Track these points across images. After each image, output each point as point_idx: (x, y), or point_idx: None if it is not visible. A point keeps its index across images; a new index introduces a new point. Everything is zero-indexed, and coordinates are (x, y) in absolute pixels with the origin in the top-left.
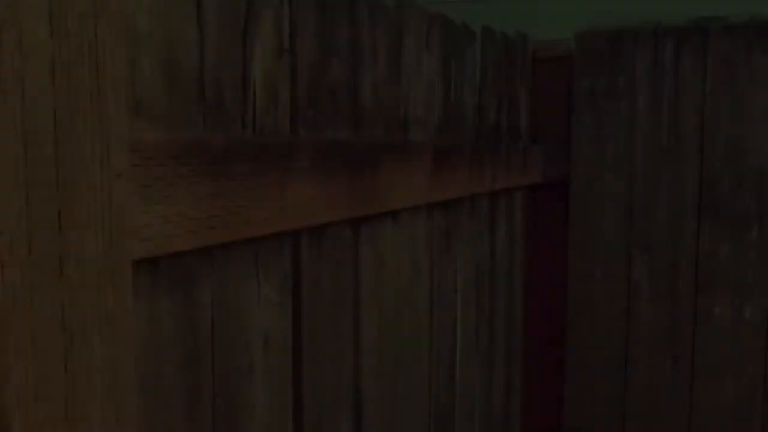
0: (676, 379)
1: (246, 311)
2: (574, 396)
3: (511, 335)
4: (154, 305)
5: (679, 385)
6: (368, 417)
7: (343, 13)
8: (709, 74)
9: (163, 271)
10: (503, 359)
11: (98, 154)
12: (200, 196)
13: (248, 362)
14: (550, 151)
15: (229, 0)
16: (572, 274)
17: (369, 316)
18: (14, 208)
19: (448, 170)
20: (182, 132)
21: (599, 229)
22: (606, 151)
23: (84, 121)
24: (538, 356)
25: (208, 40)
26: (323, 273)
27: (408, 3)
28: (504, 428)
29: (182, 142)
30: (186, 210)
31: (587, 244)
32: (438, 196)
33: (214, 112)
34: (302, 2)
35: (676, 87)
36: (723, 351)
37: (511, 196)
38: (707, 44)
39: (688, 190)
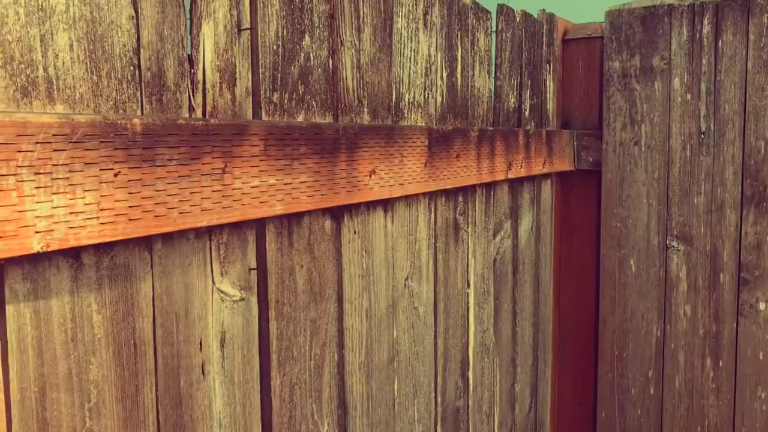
0: (719, 379)
1: (196, 308)
2: (607, 396)
3: (537, 332)
4: (80, 301)
5: (721, 386)
6: (356, 416)
7: None
8: (752, 50)
9: (89, 266)
10: (529, 357)
11: None
12: (117, 185)
13: (200, 362)
14: (581, 137)
15: None
16: (605, 267)
17: (355, 311)
18: None
19: (450, 157)
20: (105, 114)
21: (633, 219)
22: (640, 136)
23: None
24: (569, 353)
25: (144, 18)
26: (297, 266)
27: None
28: (530, 426)
29: (90, 125)
30: (98, 199)
31: (621, 236)
32: (438, 185)
33: (154, 94)
34: None
35: (715, 66)
36: None
37: (537, 184)
38: (749, 18)
39: (729, 177)
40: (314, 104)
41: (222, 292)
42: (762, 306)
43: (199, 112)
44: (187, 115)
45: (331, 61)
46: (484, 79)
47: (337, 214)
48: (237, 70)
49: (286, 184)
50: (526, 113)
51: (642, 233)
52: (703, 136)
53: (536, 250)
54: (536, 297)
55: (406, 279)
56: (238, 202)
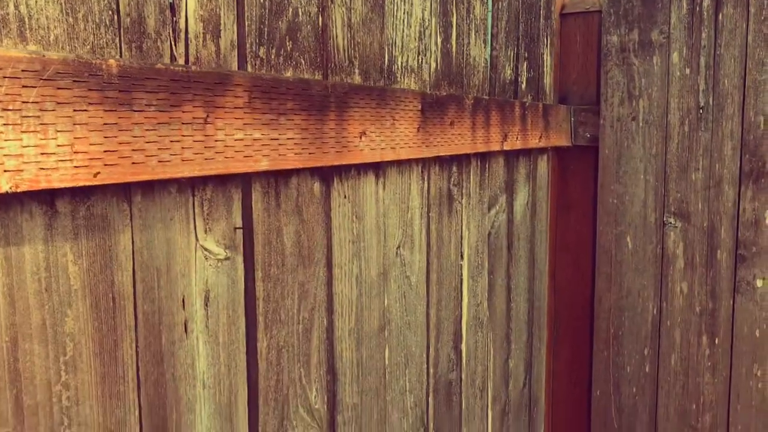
0: (714, 357)
1: (179, 265)
2: (602, 373)
3: (532, 308)
4: (54, 250)
5: (717, 363)
6: (346, 383)
7: None
8: (753, 24)
9: (64, 214)
10: (523, 333)
11: None
12: (91, 127)
13: (183, 320)
14: (578, 112)
15: None
16: (601, 244)
17: (345, 277)
18: None
19: (444, 124)
20: (78, 53)
21: (630, 195)
22: (638, 111)
23: None
24: (564, 330)
25: None
26: (285, 227)
27: None
28: (524, 403)
29: (63, 63)
30: (72, 141)
31: (618, 212)
32: (431, 152)
33: (134, 41)
34: None
35: (715, 39)
36: (766, 327)
37: (533, 159)
38: None
39: (728, 153)
40: (303, 62)
41: (206, 249)
42: (759, 283)
43: (181, 63)
44: (168, 64)
45: (320, 19)
46: (479, 48)
47: (326, 176)
48: (222, 22)
49: (272, 139)
50: (523, 86)
51: (639, 210)
52: (701, 111)
53: (532, 226)
54: (531, 273)
55: (398, 247)
56: (221, 155)
